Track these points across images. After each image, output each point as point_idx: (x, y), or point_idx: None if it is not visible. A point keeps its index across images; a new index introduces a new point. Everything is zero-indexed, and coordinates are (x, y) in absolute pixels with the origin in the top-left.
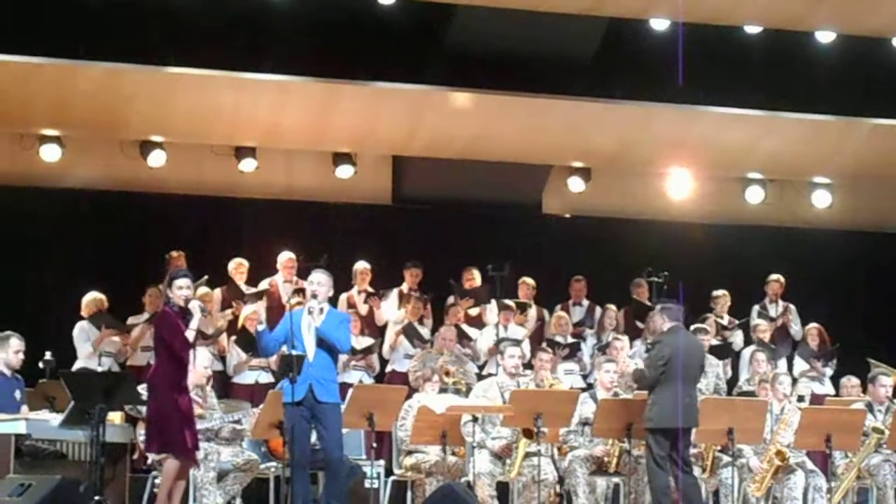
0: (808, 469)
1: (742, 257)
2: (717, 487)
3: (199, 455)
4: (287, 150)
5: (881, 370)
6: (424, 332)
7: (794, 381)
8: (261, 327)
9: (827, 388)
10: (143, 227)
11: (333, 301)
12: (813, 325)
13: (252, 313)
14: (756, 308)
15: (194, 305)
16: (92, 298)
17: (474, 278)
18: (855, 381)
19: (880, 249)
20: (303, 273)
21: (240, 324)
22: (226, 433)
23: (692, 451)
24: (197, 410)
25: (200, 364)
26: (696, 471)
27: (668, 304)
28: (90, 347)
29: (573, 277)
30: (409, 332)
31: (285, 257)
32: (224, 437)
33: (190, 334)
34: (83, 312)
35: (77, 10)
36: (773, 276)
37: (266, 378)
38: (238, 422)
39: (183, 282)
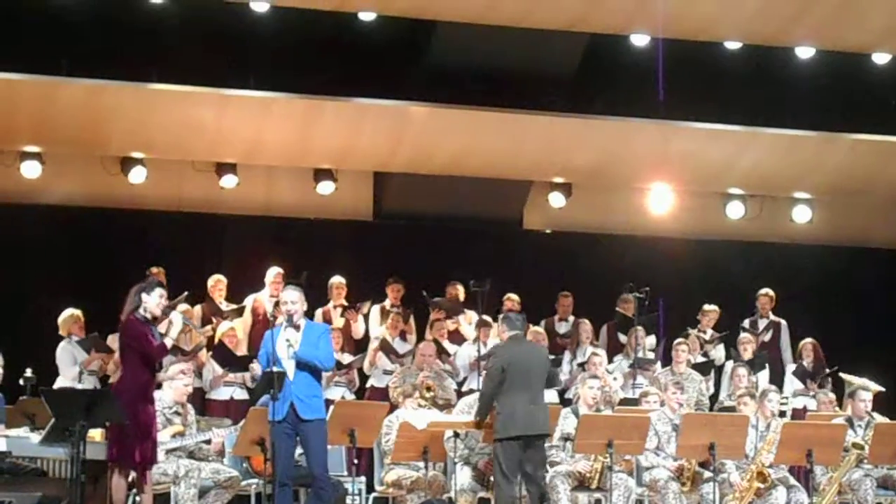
0: (790, 484)
1: (723, 272)
2: (699, 503)
3: (182, 471)
4: (268, 167)
5: (859, 385)
6: (406, 347)
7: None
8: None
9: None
10: (124, 243)
11: (310, 316)
12: (808, 341)
13: (229, 329)
14: (745, 323)
15: (176, 317)
16: (68, 316)
17: (458, 293)
18: (831, 395)
19: (860, 264)
20: None
21: (217, 339)
22: (198, 453)
23: (671, 464)
24: (177, 428)
25: (181, 382)
26: (675, 486)
27: (510, 315)
28: (76, 369)
29: (560, 293)
30: (385, 347)
31: (274, 273)
32: (199, 458)
33: (168, 342)
34: (61, 331)
35: (58, 26)
36: (763, 291)
37: (241, 394)
38: (208, 441)
39: (164, 292)
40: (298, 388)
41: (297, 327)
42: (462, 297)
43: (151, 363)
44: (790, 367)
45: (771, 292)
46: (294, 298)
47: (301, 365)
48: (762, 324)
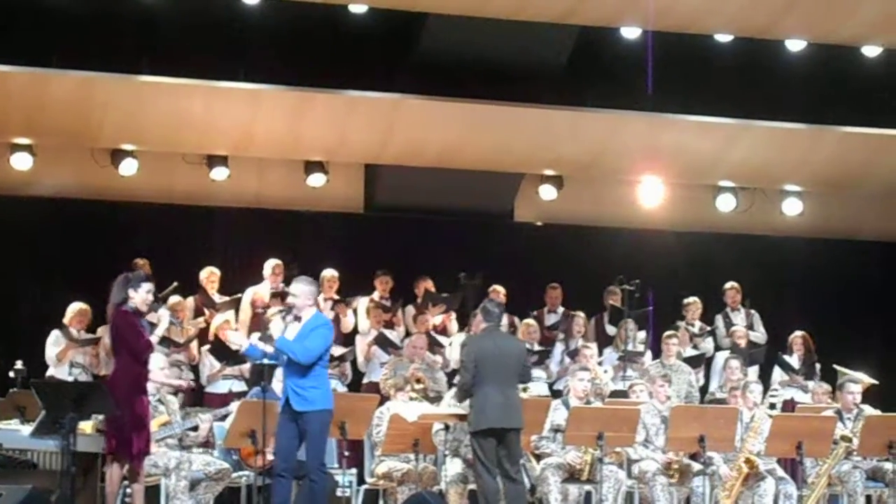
0: (778, 476)
1: (713, 265)
2: (689, 496)
3: (172, 464)
4: (259, 159)
5: (849, 377)
6: (394, 337)
7: (766, 389)
8: (245, 344)
9: (808, 397)
10: (115, 235)
11: None
12: (798, 334)
13: (224, 322)
14: (719, 317)
15: (164, 314)
16: (77, 309)
17: (429, 287)
18: (826, 387)
19: (850, 257)
20: (288, 280)
21: (212, 333)
22: (185, 440)
23: (660, 457)
24: (164, 418)
25: (155, 365)
26: (663, 479)
27: (487, 306)
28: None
29: (549, 284)
30: (381, 340)
31: (272, 264)
32: (186, 444)
33: (154, 339)
34: (65, 320)
35: (49, 18)
36: (729, 285)
37: (240, 387)
38: (195, 428)
39: (151, 286)
40: (292, 379)
41: (298, 319)
42: (433, 290)
43: (142, 357)
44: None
45: (736, 285)
46: (295, 291)
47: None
48: (735, 317)
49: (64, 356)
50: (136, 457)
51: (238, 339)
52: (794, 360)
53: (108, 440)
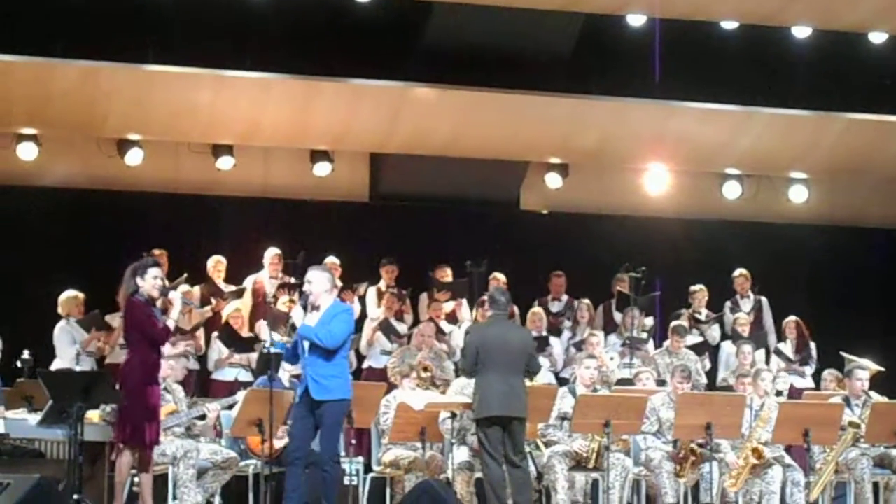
0: (786, 463)
1: (719, 252)
2: (697, 481)
3: (180, 452)
4: (265, 148)
5: (856, 364)
6: (402, 327)
7: (773, 377)
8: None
9: (807, 381)
10: (121, 225)
11: None
12: (791, 319)
13: (235, 311)
14: (728, 304)
15: (176, 296)
16: (69, 297)
17: (447, 275)
18: (836, 373)
19: (856, 244)
20: (288, 269)
21: (224, 320)
22: (193, 429)
23: (668, 448)
24: (171, 407)
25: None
26: (669, 465)
27: (494, 295)
28: (74, 349)
29: (553, 272)
30: (386, 328)
31: (272, 254)
32: (193, 434)
33: (171, 324)
34: (60, 311)
35: (54, 7)
36: (738, 272)
37: (246, 376)
38: (202, 417)
39: (158, 271)
40: (313, 368)
41: (315, 308)
42: (450, 279)
43: (157, 345)
44: (781, 346)
45: (746, 272)
46: (311, 278)
47: (314, 345)
48: (744, 304)
49: (89, 345)
50: (149, 446)
51: (297, 315)
52: (787, 346)
53: (122, 429)
